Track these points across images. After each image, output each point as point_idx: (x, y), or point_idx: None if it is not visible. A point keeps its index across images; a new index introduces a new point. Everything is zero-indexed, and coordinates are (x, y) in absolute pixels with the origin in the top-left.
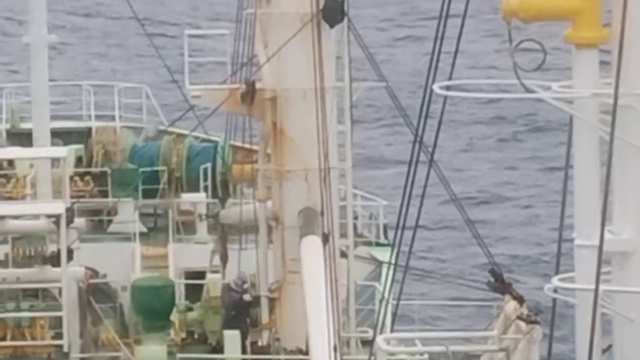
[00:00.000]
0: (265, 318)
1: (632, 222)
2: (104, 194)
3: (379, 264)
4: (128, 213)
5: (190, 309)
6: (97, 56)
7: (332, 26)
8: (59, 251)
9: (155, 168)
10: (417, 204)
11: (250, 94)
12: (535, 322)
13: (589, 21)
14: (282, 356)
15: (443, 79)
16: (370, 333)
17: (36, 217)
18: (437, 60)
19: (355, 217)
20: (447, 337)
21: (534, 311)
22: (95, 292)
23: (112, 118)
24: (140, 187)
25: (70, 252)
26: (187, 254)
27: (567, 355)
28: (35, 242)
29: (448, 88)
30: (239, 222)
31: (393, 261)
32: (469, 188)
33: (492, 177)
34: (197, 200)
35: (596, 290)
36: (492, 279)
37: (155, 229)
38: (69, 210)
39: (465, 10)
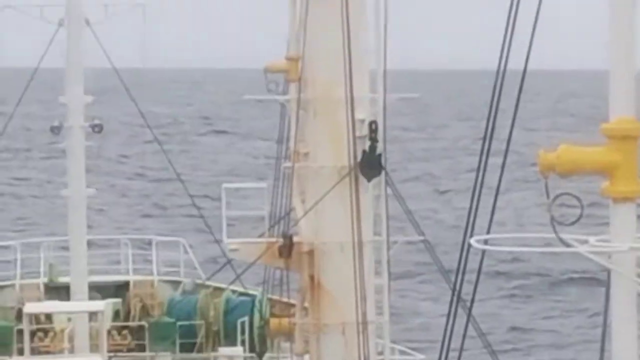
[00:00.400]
0: None
1: None
2: (142, 348)
3: None
4: None
5: None
6: (137, 216)
7: (369, 180)
8: None
9: (193, 322)
10: (455, 356)
11: (287, 248)
12: None
13: (626, 175)
14: None
15: (482, 232)
16: None
17: None
18: (475, 215)
19: None
20: None
21: None
22: None
23: (150, 272)
24: (178, 341)
25: None
26: None
27: None
28: None
29: (486, 242)
30: None
31: None
32: (507, 337)
33: (531, 327)
34: (234, 354)
35: None
36: None
37: None
38: None
39: (503, 165)
